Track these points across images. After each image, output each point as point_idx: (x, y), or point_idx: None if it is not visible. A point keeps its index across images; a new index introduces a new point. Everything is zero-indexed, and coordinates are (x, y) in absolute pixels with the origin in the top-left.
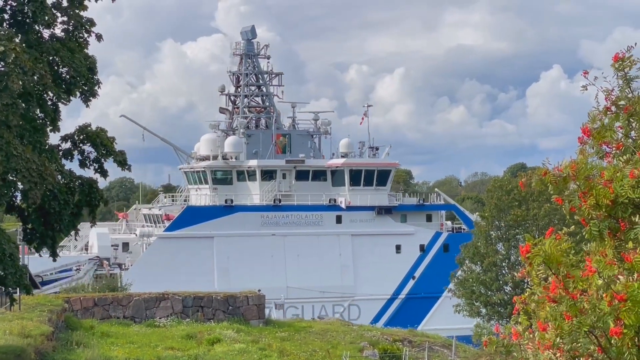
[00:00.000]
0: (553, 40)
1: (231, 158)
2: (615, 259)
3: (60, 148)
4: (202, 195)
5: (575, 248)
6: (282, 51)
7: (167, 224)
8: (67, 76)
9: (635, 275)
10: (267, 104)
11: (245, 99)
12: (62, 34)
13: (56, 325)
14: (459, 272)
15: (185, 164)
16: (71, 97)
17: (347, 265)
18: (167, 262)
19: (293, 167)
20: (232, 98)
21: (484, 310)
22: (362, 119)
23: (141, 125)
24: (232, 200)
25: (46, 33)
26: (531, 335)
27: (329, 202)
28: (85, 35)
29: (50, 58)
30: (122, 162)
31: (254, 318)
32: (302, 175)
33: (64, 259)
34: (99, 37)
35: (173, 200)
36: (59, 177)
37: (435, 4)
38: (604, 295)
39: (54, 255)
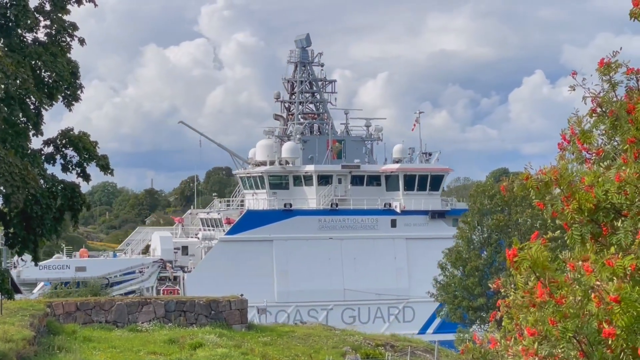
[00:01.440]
0: (535, 46)
1: (288, 163)
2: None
3: (42, 152)
4: (259, 200)
5: (552, 255)
6: (266, 56)
7: (228, 227)
8: (50, 80)
9: (615, 280)
10: (321, 110)
11: (300, 106)
12: (45, 38)
13: (38, 330)
14: (441, 277)
15: (241, 169)
16: (53, 102)
17: (401, 268)
18: (228, 264)
19: (349, 172)
20: (287, 105)
21: (466, 315)
22: (414, 125)
23: (198, 131)
24: (291, 205)
25: (29, 37)
26: (509, 342)
27: (384, 206)
28: (68, 39)
29: (33, 62)
30: (105, 167)
31: (237, 323)
32: (357, 180)
33: (128, 261)
34: (81, 42)
35: (227, 205)
36: (42, 181)
37: (418, 9)
38: (592, 296)
39: (36, 260)
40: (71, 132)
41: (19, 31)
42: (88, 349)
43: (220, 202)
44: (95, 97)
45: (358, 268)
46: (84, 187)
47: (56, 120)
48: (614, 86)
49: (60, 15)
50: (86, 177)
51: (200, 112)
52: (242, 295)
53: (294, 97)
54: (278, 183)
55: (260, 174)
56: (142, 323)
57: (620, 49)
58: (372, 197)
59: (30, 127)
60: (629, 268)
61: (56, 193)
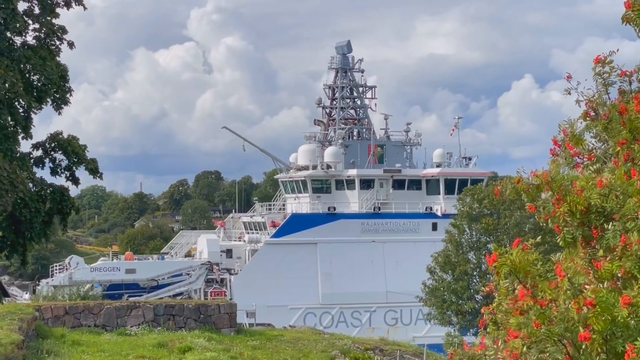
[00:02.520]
0: (524, 51)
1: (330, 168)
2: (586, 267)
3: (31, 156)
4: (302, 204)
5: (542, 259)
6: (255, 60)
7: (273, 230)
8: (39, 84)
9: (606, 283)
10: (362, 115)
11: (341, 111)
12: (34, 41)
13: (27, 334)
14: (430, 281)
15: (283, 173)
16: (43, 105)
17: None
18: (273, 266)
19: (390, 177)
20: (328, 110)
21: (455, 319)
22: (453, 130)
23: (242, 136)
24: (334, 208)
25: (18, 40)
26: (498, 347)
27: (426, 210)
28: (57, 42)
29: (22, 65)
30: (94, 170)
31: (226, 327)
32: (398, 184)
33: (176, 263)
34: (71, 45)
35: (268, 209)
36: (30, 184)
37: (408, 13)
38: (572, 303)
39: (24, 264)
40: (60, 136)
41: (8, 35)
42: (77, 352)
43: (261, 206)
44: (84, 101)
45: (400, 270)
46: (73, 191)
47: (45, 123)
48: (607, 86)
49: (49, 18)
50: (75, 181)
51: (190, 116)
52: (231, 299)
53: (334, 102)
54: (320, 187)
55: (303, 178)
56: (131, 327)
57: (617, 50)
58: (413, 201)
59: (19, 130)
60: (619, 272)
61: (45, 197)
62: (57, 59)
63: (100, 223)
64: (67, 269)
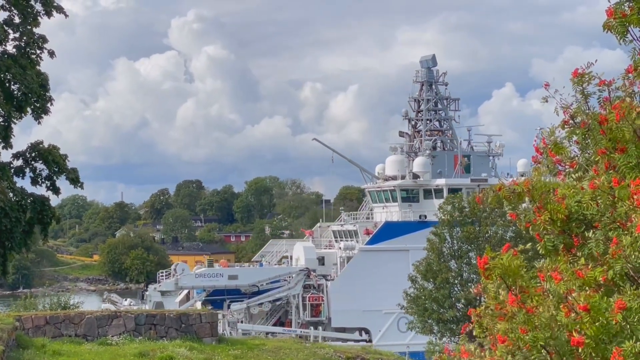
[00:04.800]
0: (505, 59)
1: (418, 177)
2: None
3: (12, 165)
4: (392, 212)
5: (527, 265)
6: (236, 69)
7: (366, 238)
8: (19, 93)
9: (589, 290)
10: (446, 127)
11: (427, 123)
12: (14, 50)
13: (7, 344)
14: (411, 289)
15: (371, 183)
16: (23, 114)
17: None
18: (367, 272)
19: (477, 186)
20: (413, 122)
21: (436, 328)
22: (535, 140)
23: (331, 147)
24: (425, 216)
25: None
26: (482, 354)
27: None
28: (38, 51)
29: (2, 75)
30: (75, 180)
31: (207, 336)
32: None
33: (276, 270)
34: (51, 54)
35: (354, 218)
36: (11, 194)
37: (388, 22)
38: (561, 307)
39: (4, 273)
40: (41, 145)
41: None
42: None
43: (348, 215)
44: (65, 110)
45: None
46: (54, 200)
47: (26, 133)
48: (586, 97)
49: (29, 27)
50: (56, 190)
51: (172, 125)
52: (211, 308)
53: (420, 114)
54: (408, 196)
55: (392, 188)
56: (112, 336)
57: (596, 61)
58: None
59: None
60: (600, 279)
61: (25, 206)
62: (38, 68)
63: (81, 232)
64: (173, 275)
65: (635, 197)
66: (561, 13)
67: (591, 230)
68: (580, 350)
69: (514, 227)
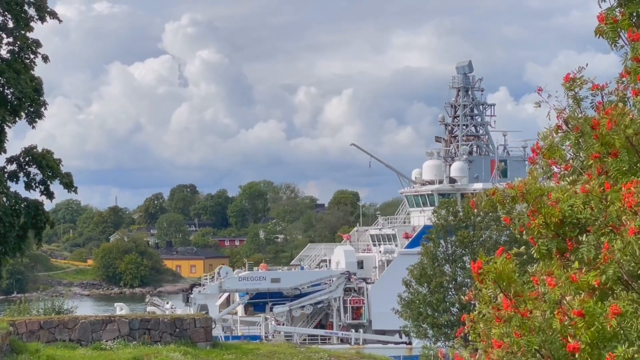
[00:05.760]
0: (499, 63)
1: (455, 182)
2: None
3: (5, 170)
4: (430, 216)
5: (520, 270)
6: (231, 73)
7: (406, 241)
8: (13, 97)
9: (583, 294)
10: (482, 132)
11: (464, 128)
12: (8, 55)
13: (1, 349)
14: (405, 294)
15: (408, 187)
16: (17, 119)
17: None
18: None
19: None
20: (449, 127)
21: (430, 332)
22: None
23: (369, 153)
24: None
25: None
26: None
27: None
28: (32, 56)
29: None
30: (69, 184)
31: (201, 340)
32: None
33: (317, 273)
34: (45, 59)
35: (389, 222)
36: (4, 199)
37: (382, 26)
38: (556, 312)
39: None
40: (35, 150)
41: None
42: None
43: (385, 219)
44: (59, 114)
45: None
46: (48, 205)
47: (20, 137)
48: (578, 102)
49: (23, 32)
50: (50, 195)
51: (166, 129)
52: (206, 312)
53: (456, 120)
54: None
55: (429, 192)
56: (106, 341)
57: (587, 65)
58: None
59: None
60: (594, 283)
61: (19, 211)
62: (32, 72)
63: (75, 237)
64: (217, 279)
65: (626, 200)
66: (555, 17)
67: (584, 235)
68: (576, 355)
69: (508, 232)
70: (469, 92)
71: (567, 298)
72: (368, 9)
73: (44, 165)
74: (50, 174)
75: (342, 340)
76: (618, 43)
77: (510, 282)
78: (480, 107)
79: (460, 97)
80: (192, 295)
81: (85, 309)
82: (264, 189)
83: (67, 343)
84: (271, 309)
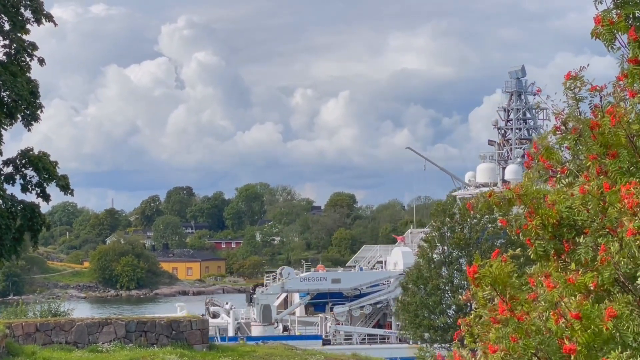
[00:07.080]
0: (496, 65)
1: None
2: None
3: (2, 172)
4: None
5: (518, 272)
6: (227, 75)
7: None
8: (9, 100)
9: (578, 296)
10: (534, 135)
11: (517, 132)
12: (4, 57)
13: None
14: (402, 297)
15: (462, 190)
16: (13, 121)
17: None
18: None
19: None
20: (503, 131)
21: (427, 334)
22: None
23: (424, 156)
24: None
25: None
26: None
27: None
28: (28, 59)
29: None
30: (65, 187)
31: (198, 343)
32: None
33: (376, 274)
34: (41, 61)
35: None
36: (0, 201)
37: (379, 28)
38: (551, 314)
39: None
40: (31, 152)
41: None
42: None
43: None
44: (56, 117)
45: None
46: (44, 207)
47: (16, 140)
48: (578, 101)
49: (19, 34)
50: (46, 197)
51: (162, 132)
52: (202, 315)
53: (509, 123)
54: None
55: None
56: (103, 344)
57: (588, 65)
58: None
59: None
60: (590, 285)
61: (15, 213)
62: (28, 74)
63: (72, 239)
64: (279, 279)
65: (625, 200)
66: (551, 19)
67: (582, 236)
68: (572, 357)
69: (504, 233)
70: (522, 96)
71: (564, 300)
72: (365, 11)
73: (40, 167)
74: (46, 176)
75: (401, 340)
76: (615, 45)
77: (506, 285)
78: (533, 110)
79: (512, 101)
80: (255, 296)
81: (81, 311)
82: (260, 191)
83: (63, 345)
84: (331, 309)
